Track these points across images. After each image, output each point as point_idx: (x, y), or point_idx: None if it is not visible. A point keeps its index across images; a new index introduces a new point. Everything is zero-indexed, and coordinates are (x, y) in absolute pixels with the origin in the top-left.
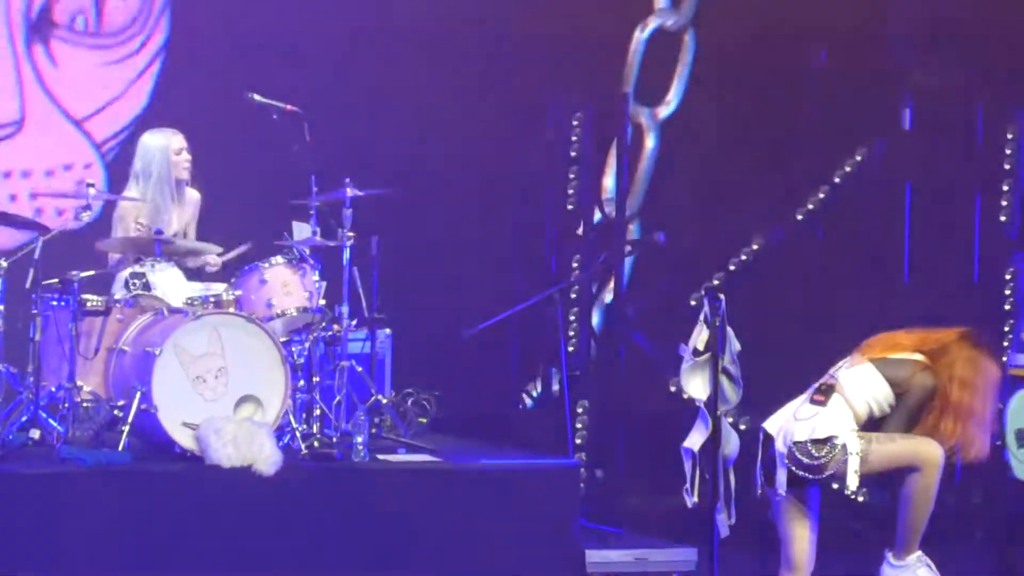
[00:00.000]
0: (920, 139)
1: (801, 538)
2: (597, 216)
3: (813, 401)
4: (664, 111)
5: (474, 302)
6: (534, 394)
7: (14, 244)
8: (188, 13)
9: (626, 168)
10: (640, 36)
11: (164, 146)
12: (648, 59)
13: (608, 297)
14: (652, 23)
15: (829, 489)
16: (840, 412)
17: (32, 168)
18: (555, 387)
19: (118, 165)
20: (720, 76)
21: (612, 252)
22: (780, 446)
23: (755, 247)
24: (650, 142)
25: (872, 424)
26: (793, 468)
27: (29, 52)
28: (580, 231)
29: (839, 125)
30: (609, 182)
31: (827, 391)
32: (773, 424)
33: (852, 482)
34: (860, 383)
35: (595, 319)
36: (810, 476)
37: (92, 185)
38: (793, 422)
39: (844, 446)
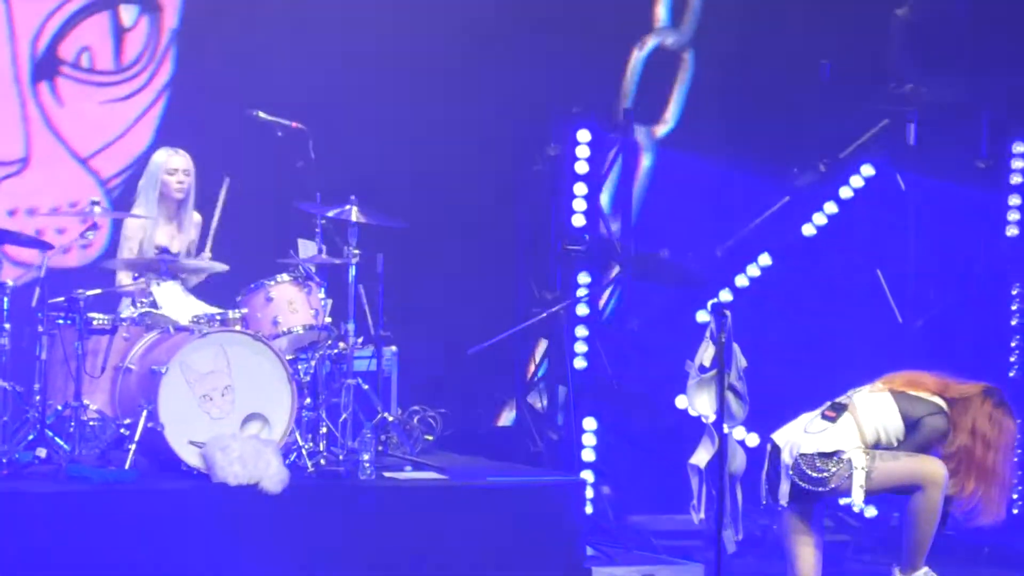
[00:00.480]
0: (925, 154)
1: (806, 555)
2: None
3: (824, 416)
4: (662, 129)
5: (480, 319)
6: (540, 410)
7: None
8: (193, 43)
9: (632, 183)
10: (639, 54)
11: (159, 163)
12: (647, 77)
13: (614, 313)
14: (651, 41)
15: (836, 505)
16: (848, 431)
17: (37, 205)
18: (561, 404)
19: (123, 201)
20: (723, 92)
21: (618, 267)
22: (786, 458)
23: (761, 262)
24: (646, 160)
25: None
26: (797, 480)
27: (35, 90)
28: (586, 247)
29: (844, 140)
30: (605, 198)
31: (839, 409)
32: (782, 436)
33: (858, 497)
34: (874, 409)
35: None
36: (813, 489)
37: (97, 203)
38: (802, 435)
39: (849, 461)
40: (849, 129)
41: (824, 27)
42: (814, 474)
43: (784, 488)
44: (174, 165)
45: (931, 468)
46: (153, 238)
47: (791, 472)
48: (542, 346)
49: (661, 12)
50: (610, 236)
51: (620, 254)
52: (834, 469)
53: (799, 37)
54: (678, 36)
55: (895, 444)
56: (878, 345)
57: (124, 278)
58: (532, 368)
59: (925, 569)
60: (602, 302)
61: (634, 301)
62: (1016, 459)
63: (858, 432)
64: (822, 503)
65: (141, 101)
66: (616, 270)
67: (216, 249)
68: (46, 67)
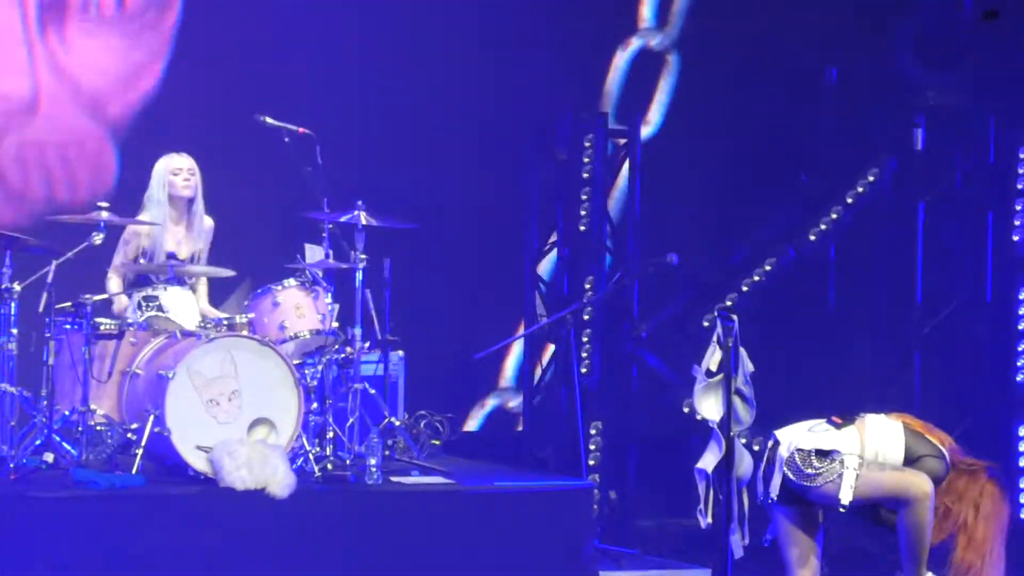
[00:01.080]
0: (932, 158)
1: (804, 562)
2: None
3: (830, 421)
4: (646, 131)
5: (487, 324)
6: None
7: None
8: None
9: (639, 188)
10: (623, 55)
11: (163, 166)
12: (631, 78)
13: (620, 318)
14: (635, 43)
15: (835, 512)
16: (849, 440)
17: (46, 142)
18: (568, 408)
19: (130, 145)
20: (724, 96)
21: (624, 273)
22: (783, 451)
23: (767, 267)
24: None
25: None
26: (788, 473)
27: (43, 32)
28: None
29: (850, 145)
30: (612, 201)
31: (847, 419)
32: (784, 433)
33: (846, 496)
34: (881, 433)
35: (607, 340)
36: (800, 484)
37: (105, 208)
38: (804, 433)
39: (841, 461)
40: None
41: (814, 29)
42: (806, 469)
43: (776, 480)
44: (177, 164)
45: (918, 482)
46: (163, 244)
47: (785, 465)
48: (549, 350)
49: (646, 13)
50: (616, 239)
51: (627, 258)
52: (826, 468)
53: (788, 40)
54: (663, 37)
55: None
56: (886, 351)
57: (114, 285)
58: (539, 372)
59: (929, 574)
60: (609, 307)
61: (640, 305)
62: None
63: (859, 444)
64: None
65: (150, 45)
66: (623, 275)
67: (224, 254)
68: (54, 9)
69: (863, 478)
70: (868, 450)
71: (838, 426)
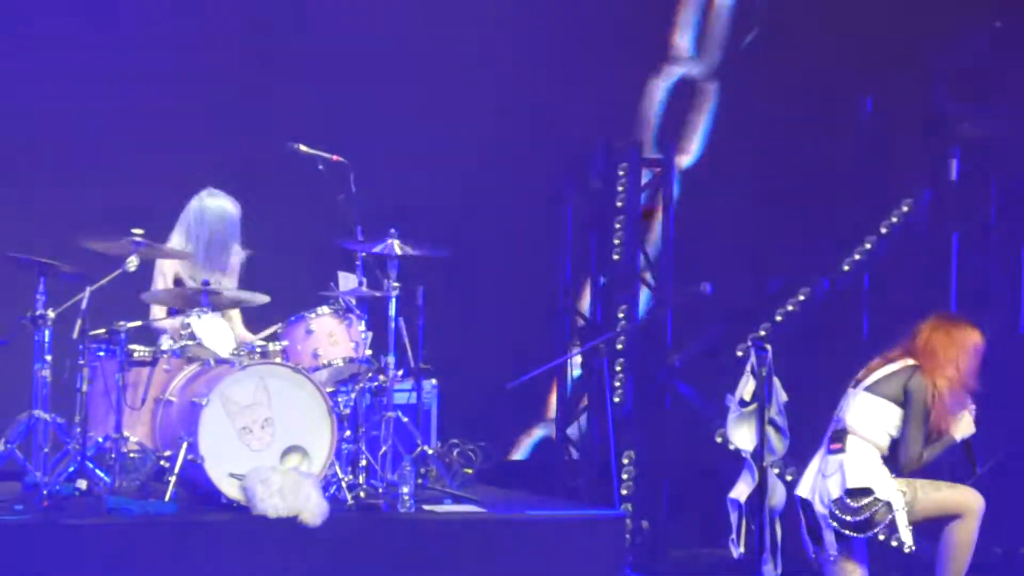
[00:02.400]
0: (967, 189)
1: None
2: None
3: (831, 451)
4: (686, 160)
5: (520, 352)
6: (579, 445)
7: None
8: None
9: (672, 219)
10: (663, 85)
11: (223, 212)
12: (670, 107)
13: (654, 347)
14: (676, 72)
15: (876, 541)
16: (862, 453)
17: None
18: (601, 438)
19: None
20: (760, 125)
21: (658, 302)
22: (820, 508)
23: (801, 298)
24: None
25: (896, 446)
26: (840, 528)
27: None
28: (625, 282)
29: (885, 175)
30: (651, 231)
31: (841, 436)
32: (804, 488)
33: (907, 537)
34: (866, 415)
35: (640, 369)
36: (857, 534)
37: (140, 236)
38: (823, 480)
39: (888, 504)
40: (892, 160)
41: (854, 60)
42: (852, 518)
43: (829, 538)
44: (218, 213)
45: (969, 496)
46: (191, 275)
47: (831, 521)
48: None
49: (683, 42)
50: (650, 269)
51: (660, 288)
52: (871, 509)
53: (825, 71)
54: (702, 67)
55: (904, 431)
56: None
57: (159, 311)
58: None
59: None
60: (642, 336)
61: (674, 335)
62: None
63: (871, 446)
64: (863, 538)
65: None
66: (657, 304)
67: (257, 280)
68: None
69: (916, 504)
70: (879, 441)
71: (841, 450)
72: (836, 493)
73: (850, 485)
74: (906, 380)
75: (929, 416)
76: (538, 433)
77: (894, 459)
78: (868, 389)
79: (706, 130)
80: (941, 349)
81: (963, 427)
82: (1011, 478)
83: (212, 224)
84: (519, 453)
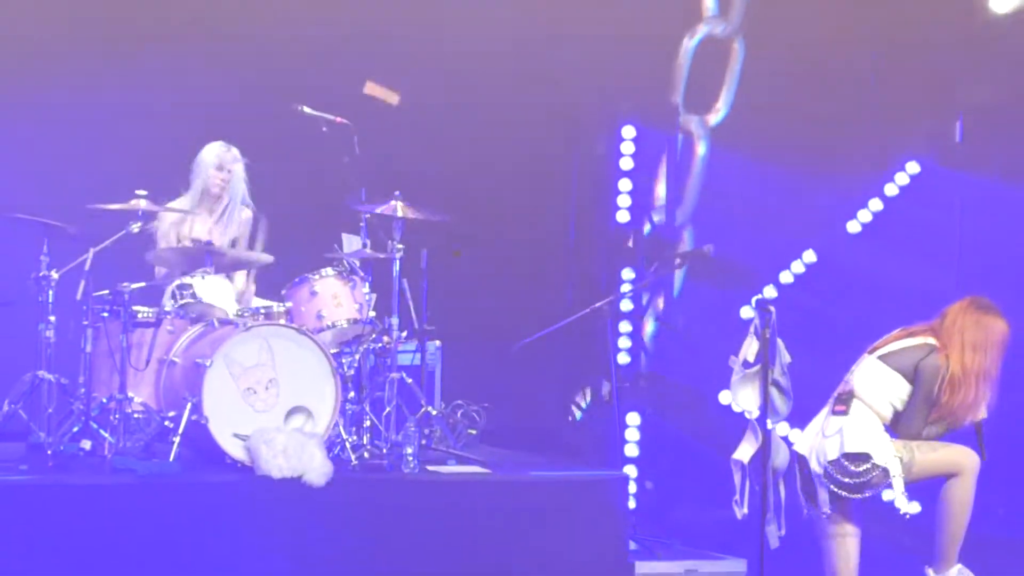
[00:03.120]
0: (972, 151)
1: (847, 555)
2: (647, 227)
3: (835, 412)
4: (714, 118)
5: (524, 314)
6: (584, 406)
7: None
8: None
9: (676, 179)
10: (688, 44)
11: (205, 159)
12: (697, 67)
13: (659, 308)
14: (701, 31)
15: (872, 502)
16: (864, 418)
17: None
18: (605, 399)
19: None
20: (770, 85)
21: (662, 263)
22: (815, 467)
23: (805, 259)
24: (701, 149)
25: (898, 418)
26: (835, 488)
27: None
28: (631, 243)
29: (891, 136)
30: (661, 191)
31: (847, 399)
32: (803, 445)
33: (903, 504)
34: (874, 383)
35: (646, 331)
36: (852, 496)
37: (143, 196)
38: (822, 439)
39: (885, 470)
40: (898, 121)
41: (862, 23)
42: (849, 480)
43: (823, 496)
44: (221, 160)
45: (966, 455)
46: (189, 231)
47: (825, 480)
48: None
49: (708, 2)
50: (656, 230)
51: (665, 250)
52: (869, 474)
53: (849, 30)
54: (726, 25)
55: (908, 407)
56: None
57: (161, 269)
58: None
59: (959, 567)
60: (645, 298)
61: (679, 297)
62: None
63: (872, 413)
64: (858, 501)
65: None
66: (661, 266)
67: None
68: None
69: (914, 466)
70: (883, 410)
71: (844, 412)
72: (834, 455)
73: (848, 449)
74: (921, 358)
75: (935, 398)
76: (542, 394)
77: (894, 428)
78: (881, 358)
79: (733, 87)
80: (966, 334)
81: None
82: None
83: (198, 172)
84: (524, 414)
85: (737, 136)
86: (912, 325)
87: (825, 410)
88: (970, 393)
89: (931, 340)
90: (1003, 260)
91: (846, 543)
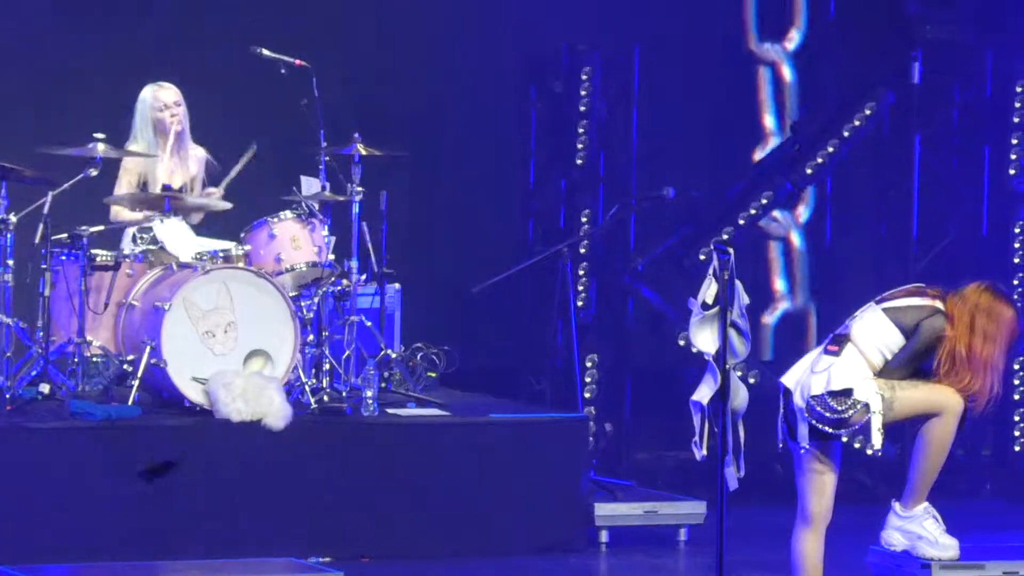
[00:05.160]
0: (929, 92)
1: (822, 492)
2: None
3: (827, 351)
4: (791, 44)
5: (483, 257)
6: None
7: None
8: None
9: (635, 121)
10: None
11: (148, 101)
12: None
13: (617, 252)
14: None
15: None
16: (854, 362)
17: None
18: (564, 341)
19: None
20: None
21: (621, 206)
22: (799, 400)
23: (764, 201)
24: (788, 75)
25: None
26: (814, 422)
27: None
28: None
29: (848, 78)
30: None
31: (841, 341)
32: (791, 378)
33: (876, 440)
34: (871, 331)
35: (603, 274)
36: (832, 431)
37: (101, 140)
38: (809, 375)
39: (866, 405)
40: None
41: None
42: (830, 415)
43: (803, 431)
44: (163, 100)
45: (949, 395)
46: (156, 176)
47: (807, 415)
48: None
49: None
50: (615, 174)
51: (625, 192)
52: (851, 411)
53: None
54: None
55: (895, 358)
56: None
57: (121, 212)
58: None
59: (925, 504)
60: (605, 240)
61: (637, 239)
62: (1011, 344)
63: (864, 360)
64: (839, 441)
65: None
66: (617, 208)
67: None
68: None
69: (895, 402)
70: (873, 358)
71: (836, 353)
72: (818, 391)
73: (832, 387)
74: (924, 317)
75: (922, 355)
76: (502, 337)
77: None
78: (886, 311)
79: (806, 15)
80: (977, 314)
81: None
82: None
83: (140, 111)
84: (482, 356)
85: (698, 77)
86: (930, 286)
87: (819, 348)
88: (976, 381)
89: (939, 304)
90: (959, 200)
91: (823, 480)
